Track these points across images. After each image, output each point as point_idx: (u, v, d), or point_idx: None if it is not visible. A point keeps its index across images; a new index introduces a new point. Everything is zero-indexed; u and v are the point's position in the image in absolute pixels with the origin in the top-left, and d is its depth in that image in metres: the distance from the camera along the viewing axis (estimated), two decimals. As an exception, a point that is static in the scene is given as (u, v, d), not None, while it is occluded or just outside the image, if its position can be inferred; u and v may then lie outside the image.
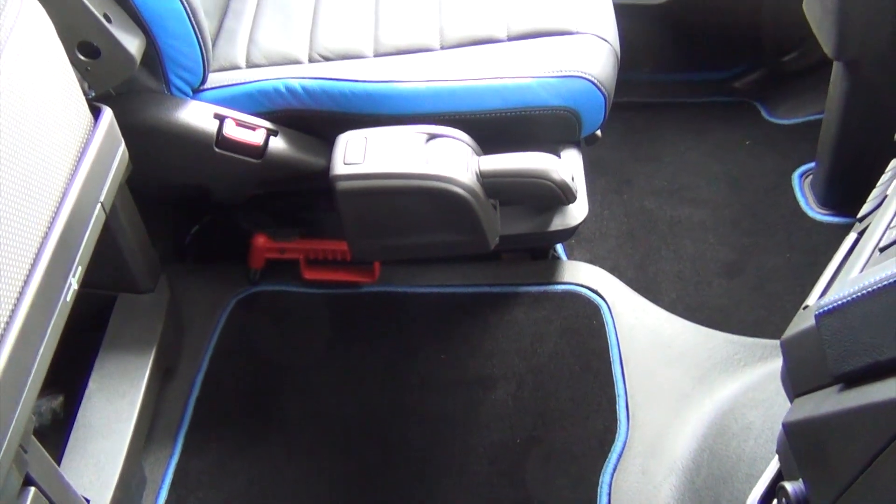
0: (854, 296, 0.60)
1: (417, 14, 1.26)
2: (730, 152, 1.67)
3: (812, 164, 1.58)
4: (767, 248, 1.49)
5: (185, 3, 1.04)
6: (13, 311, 0.72)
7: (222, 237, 1.46)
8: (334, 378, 1.29)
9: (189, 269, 1.43)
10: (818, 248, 1.47)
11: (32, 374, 0.73)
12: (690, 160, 1.66)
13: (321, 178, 1.12)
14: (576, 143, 1.26)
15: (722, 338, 1.31)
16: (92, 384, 1.10)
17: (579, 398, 1.24)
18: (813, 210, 1.53)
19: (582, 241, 1.51)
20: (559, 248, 1.48)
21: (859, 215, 0.81)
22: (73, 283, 0.82)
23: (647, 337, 1.31)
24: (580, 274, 1.39)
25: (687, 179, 1.62)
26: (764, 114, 1.74)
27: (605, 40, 1.18)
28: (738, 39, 1.76)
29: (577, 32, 1.18)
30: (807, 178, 1.59)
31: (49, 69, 0.81)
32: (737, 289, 1.43)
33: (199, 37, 1.09)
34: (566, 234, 1.29)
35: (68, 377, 1.07)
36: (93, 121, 0.91)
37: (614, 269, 1.44)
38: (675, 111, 1.77)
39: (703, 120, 1.74)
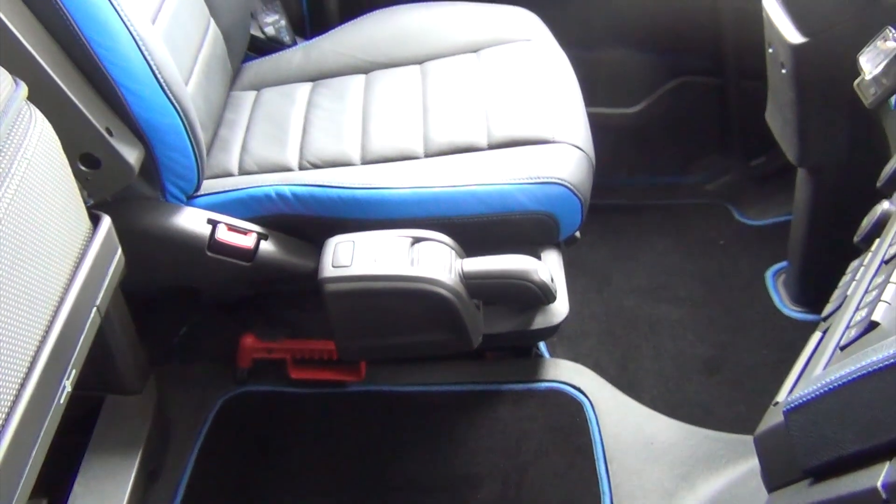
0: (817, 392, 0.63)
1: (403, 123, 1.33)
2: (705, 252, 1.73)
3: (784, 263, 1.64)
4: (745, 345, 1.53)
5: (183, 117, 1.10)
6: (8, 414, 0.73)
7: (210, 337, 1.48)
8: (321, 479, 1.29)
9: (176, 368, 1.45)
10: (793, 344, 1.49)
11: (24, 478, 0.74)
12: (667, 260, 1.71)
13: (310, 280, 1.16)
14: (556, 245, 1.31)
15: (703, 434, 1.33)
16: (77, 487, 1.09)
17: (564, 496, 1.25)
18: (787, 308, 1.58)
19: (564, 339, 1.54)
20: (542, 346, 1.51)
21: (823, 315, 0.85)
22: (67, 385, 0.84)
23: (630, 434, 1.33)
24: (563, 372, 1.42)
25: (664, 278, 1.67)
26: (736, 215, 1.81)
27: (580, 149, 1.25)
28: (709, 145, 1.86)
29: (554, 141, 1.25)
30: (780, 276, 1.65)
31: (54, 181, 0.86)
32: (716, 385, 1.46)
33: (196, 149, 1.14)
34: (548, 333, 1.32)
35: (53, 480, 1.07)
36: (92, 228, 0.95)
37: (596, 367, 1.47)
38: (651, 213, 1.84)
39: (678, 221, 1.80)
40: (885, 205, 0.92)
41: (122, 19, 1.00)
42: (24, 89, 0.85)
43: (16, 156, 0.79)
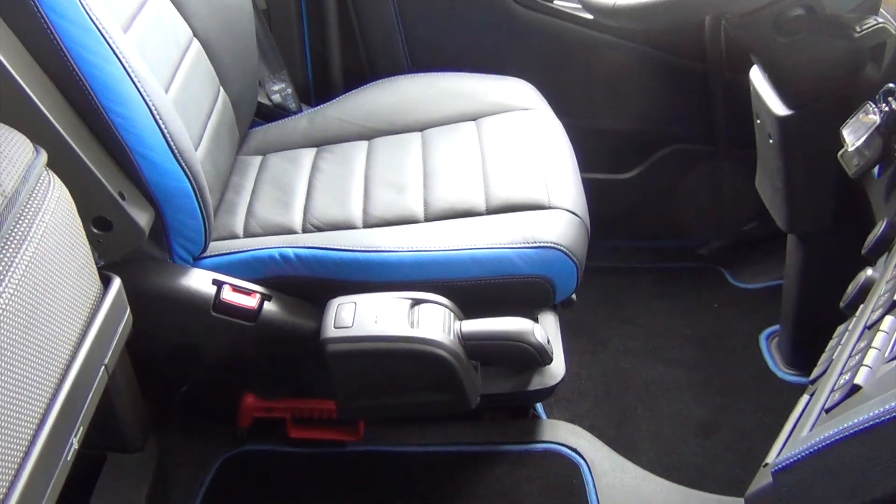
0: (804, 454, 0.65)
1: (404, 188, 1.37)
2: (699, 315, 1.76)
3: (778, 327, 1.66)
4: (740, 407, 1.54)
5: (193, 182, 1.14)
6: (18, 471, 0.75)
7: (211, 396, 1.49)
8: (317, 540, 1.29)
9: (177, 427, 1.46)
10: (787, 407, 1.48)
11: (30, 535, 0.76)
12: (662, 322, 1.74)
13: (311, 340, 1.19)
14: (552, 307, 1.34)
15: (699, 497, 1.34)
16: (76, 546, 1.10)
17: (561, 559, 1.25)
18: (781, 371, 1.60)
19: (561, 401, 1.56)
20: (539, 406, 1.53)
21: (810, 378, 0.88)
22: (75, 442, 0.85)
23: (626, 497, 1.34)
24: (560, 433, 1.43)
25: (660, 340, 1.70)
26: (729, 278, 1.85)
27: (575, 214, 1.29)
28: (702, 210, 1.91)
29: (550, 207, 1.29)
30: (773, 339, 1.67)
31: (69, 243, 0.89)
32: (712, 448, 1.47)
33: (204, 212, 1.18)
34: (545, 394, 1.34)
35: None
36: (102, 289, 0.98)
37: (593, 428, 1.48)
38: (646, 275, 1.87)
39: (673, 284, 1.84)
40: (868, 272, 0.95)
41: (138, 89, 1.05)
42: (43, 157, 0.89)
43: (34, 220, 0.83)
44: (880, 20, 1.03)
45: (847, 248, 1.10)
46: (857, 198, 1.19)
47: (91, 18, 1.00)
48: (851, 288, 0.95)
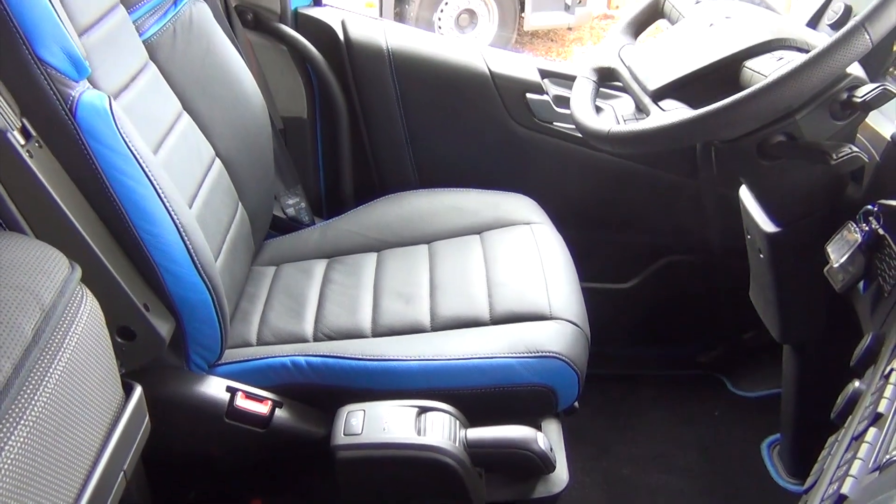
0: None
1: (412, 299, 1.43)
2: (701, 422, 1.78)
3: (779, 436, 1.68)
4: (743, 516, 1.55)
5: (213, 294, 1.20)
6: (39, 576, 0.78)
7: (219, 502, 1.51)
8: None
9: (183, 535, 1.47)
10: (790, 517, 1.53)
11: None
12: (664, 429, 1.76)
13: (321, 447, 1.22)
14: (555, 415, 1.37)
15: None
16: None
17: None
18: (782, 479, 1.61)
19: (565, 509, 1.56)
20: (543, 515, 1.53)
21: (804, 488, 0.90)
22: (92, 548, 0.88)
23: None
24: (564, 541, 1.44)
25: (662, 448, 1.72)
26: (730, 386, 1.88)
27: (576, 324, 1.34)
28: (700, 319, 1.95)
29: (551, 317, 1.34)
30: (775, 448, 1.69)
31: (97, 353, 0.94)
32: (716, 558, 1.47)
33: (221, 321, 1.24)
34: (549, 502, 1.36)
35: None
36: (124, 397, 1.02)
37: (597, 537, 1.49)
38: (648, 383, 1.90)
39: (674, 391, 1.87)
40: (856, 384, 0.99)
41: (167, 209, 1.12)
42: (78, 272, 0.95)
43: (69, 331, 0.88)
44: (855, 149, 1.11)
45: (840, 359, 1.13)
46: (848, 309, 1.23)
47: (127, 144, 1.08)
48: (840, 399, 0.98)
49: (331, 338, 1.37)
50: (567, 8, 5.61)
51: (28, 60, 1.01)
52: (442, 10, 5.48)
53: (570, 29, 6.07)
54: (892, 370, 0.88)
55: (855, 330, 1.18)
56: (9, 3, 0.99)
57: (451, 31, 5.54)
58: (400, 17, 5.43)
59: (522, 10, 5.66)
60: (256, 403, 1.27)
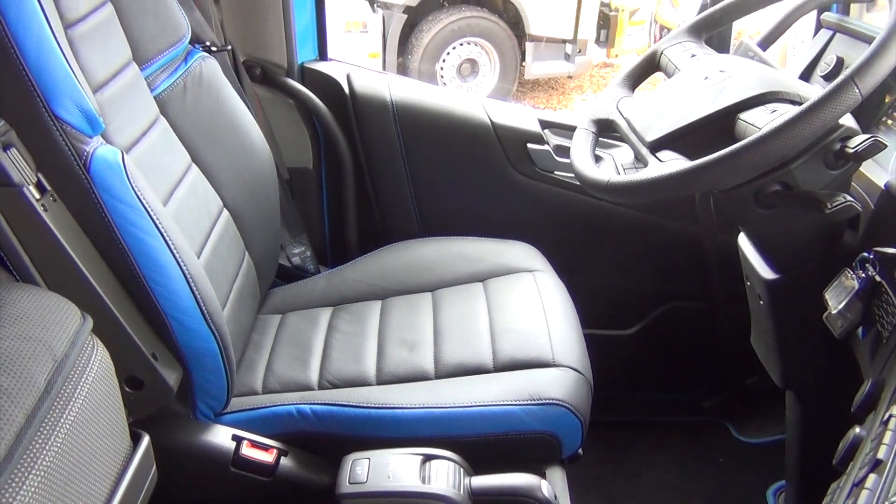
0: None
1: (416, 346, 1.44)
2: (705, 469, 1.78)
3: (784, 482, 1.68)
4: (750, 565, 1.54)
5: (220, 343, 1.22)
6: None
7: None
8: None
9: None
10: (797, 565, 1.52)
11: None
12: (669, 476, 1.76)
13: (326, 496, 1.22)
14: (559, 463, 1.38)
15: None
16: None
17: None
18: (789, 527, 1.60)
19: (570, 558, 1.55)
20: (548, 565, 1.52)
21: (809, 535, 0.91)
22: None
23: None
24: (570, 591, 1.43)
25: (667, 495, 1.71)
26: (734, 433, 1.88)
27: (579, 371, 1.35)
28: (703, 364, 1.96)
29: (554, 365, 1.35)
30: (780, 495, 1.68)
31: (106, 402, 0.96)
32: None
33: (228, 370, 1.25)
34: (554, 551, 1.35)
35: None
36: (132, 446, 1.04)
37: (603, 587, 1.48)
38: (651, 429, 1.90)
39: (678, 437, 1.87)
40: (857, 430, 1.00)
41: (176, 260, 1.14)
42: (89, 323, 0.98)
43: (80, 381, 0.90)
44: (849, 198, 1.13)
45: (842, 404, 1.13)
46: (849, 355, 1.24)
47: (139, 198, 1.11)
48: (842, 446, 0.99)
49: (336, 386, 1.38)
50: (567, 57, 5.71)
51: (44, 117, 1.05)
52: (444, 60, 5.59)
53: (570, 77, 6.17)
54: (890, 416, 0.89)
55: (856, 376, 1.19)
56: (27, 60, 1.03)
57: (453, 80, 5.64)
58: (403, 67, 5.53)
59: (523, 59, 5.76)
60: (262, 452, 1.28)
